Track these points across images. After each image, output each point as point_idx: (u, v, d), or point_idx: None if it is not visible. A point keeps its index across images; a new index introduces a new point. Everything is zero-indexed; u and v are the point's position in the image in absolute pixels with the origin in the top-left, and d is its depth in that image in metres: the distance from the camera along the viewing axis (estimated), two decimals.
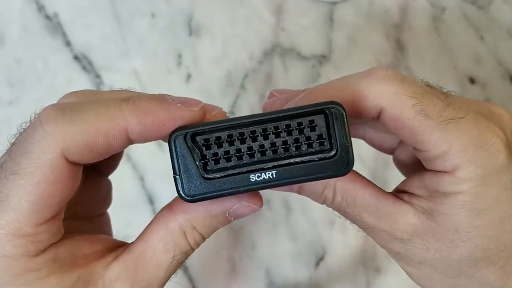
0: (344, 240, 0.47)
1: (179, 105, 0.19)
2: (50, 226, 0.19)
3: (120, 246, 0.21)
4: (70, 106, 0.20)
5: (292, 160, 0.20)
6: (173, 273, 0.21)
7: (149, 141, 0.20)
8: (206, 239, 0.22)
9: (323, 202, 0.23)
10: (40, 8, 0.52)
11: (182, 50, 0.51)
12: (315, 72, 0.50)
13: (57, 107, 0.20)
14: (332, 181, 0.22)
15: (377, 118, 0.21)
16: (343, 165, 0.21)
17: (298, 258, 0.47)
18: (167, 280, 0.21)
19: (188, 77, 0.50)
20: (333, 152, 0.21)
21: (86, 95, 0.22)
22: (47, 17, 0.52)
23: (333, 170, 0.20)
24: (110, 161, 0.25)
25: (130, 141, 0.19)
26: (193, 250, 0.21)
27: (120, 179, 0.48)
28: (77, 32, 0.52)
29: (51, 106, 0.20)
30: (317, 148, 0.20)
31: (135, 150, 0.48)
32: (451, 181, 0.20)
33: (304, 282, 0.47)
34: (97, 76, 0.51)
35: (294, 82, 0.50)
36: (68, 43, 0.51)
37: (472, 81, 0.50)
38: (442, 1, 0.52)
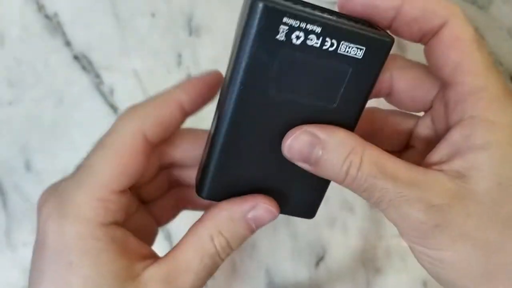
0: (344, 240, 0.47)
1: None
2: (121, 197, 0.21)
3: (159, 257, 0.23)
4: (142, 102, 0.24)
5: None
6: (204, 280, 0.22)
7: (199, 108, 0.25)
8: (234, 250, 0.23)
9: (345, 173, 0.20)
10: (40, 7, 0.52)
11: (182, 50, 0.51)
12: None
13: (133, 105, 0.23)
14: (358, 147, 0.20)
15: (435, 34, 0.21)
16: None
17: (298, 258, 0.47)
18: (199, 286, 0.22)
19: (188, 77, 0.50)
20: None
21: None
22: (47, 16, 0.52)
23: None
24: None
25: (186, 113, 0.24)
26: (220, 257, 0.22)
27: None
28: (77, 32, 0.52)
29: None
30: None
31: None
32: (486, 128, 0.19)
33: (304, 282, 0.47)
34: (97, 76, 0.51)
35: None
36: (68, 43, 0.51)
37: None
38: None
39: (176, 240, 0.46)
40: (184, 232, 0.24)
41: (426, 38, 0.22)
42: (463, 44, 0.20)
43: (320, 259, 0.47)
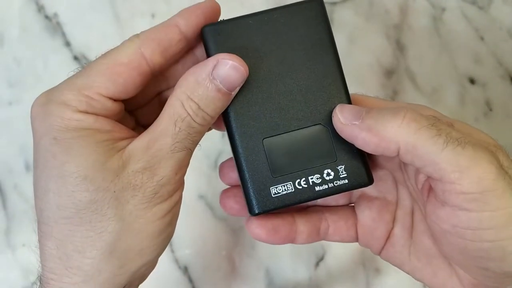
0: None
1: None
2: (107, 102, 0.23)
3: None
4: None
5: None
6: (183, 143, 0.23)
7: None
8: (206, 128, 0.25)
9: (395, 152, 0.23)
10: (40, 8, 0.52)
11: None
12: None
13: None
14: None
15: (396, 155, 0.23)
16: None
17: (298, 258, 0.47)
18: (181, 151, 0.23)
19: None
20: None
21: None
22: (47, 17, 0.52)
23: None
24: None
25: (184, 35, 0.24)
26: (194, 121, 0.23)
27: None
28: (77, 32, 0.52)
29: None
30: None
31: None
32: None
33: (304, 282, 0.47)
34: None
35: None
36: (67, 43, 0.51)
37: (472, 81, 0.50)
38: (442, 2, 0.52)
39: (176, 248, 0.46)
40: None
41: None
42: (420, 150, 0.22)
43: (320, 259, 0.47)
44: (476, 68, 0.50)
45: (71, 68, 0.51)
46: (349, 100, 0.28)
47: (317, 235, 0.30)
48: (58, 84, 0.24)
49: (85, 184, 0.21)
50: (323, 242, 0.47)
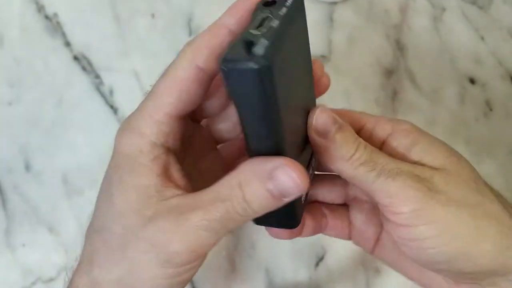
0: (344, 240, 0.47)
1: None
2: (175, 122, 0.24)
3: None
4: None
5: None
6: (211, 226, 0.23)
7: None
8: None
9: (356, 148, 0.25)
10: (40, 8, 0.52)
11: None
12: None
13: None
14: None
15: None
16: None
17: (298, 258, 0.47)
18: (204, 230, 0.23)
19: None
20: None
21: None
22: (47, 17, 0.52)
23: None
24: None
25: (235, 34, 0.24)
26: (237, 213, 0.23)
27: None
28: (77, 32, 0.52)
29: None
30: None
31: None
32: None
33: (304, 282, 0.47)
34: (97, 76, 0.51)
35: None
36: (67, 43, 0.51)
37: (472, 81, 0.50)
38: (442, 1, 0.52)
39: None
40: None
41: None
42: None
43: (320, 260, 0.47)
44: (476, 68, 0.50)
45: (71, 68, 0.51)
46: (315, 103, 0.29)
47: (319, 229, 0.33)
48: (137, 108, 0.26)
49: (119, 219, 0.24)
50: (323, 242, 0.47)
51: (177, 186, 0.24)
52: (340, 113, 0.27)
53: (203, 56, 0.24)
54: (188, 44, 0.25)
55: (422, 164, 0.26)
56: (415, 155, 0.26)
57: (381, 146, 0.27)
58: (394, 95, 0.49)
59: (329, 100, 0.49)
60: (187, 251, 0.22)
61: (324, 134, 0.25)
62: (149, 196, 0.23)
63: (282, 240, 0.47)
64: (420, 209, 0.24)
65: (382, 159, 0.25)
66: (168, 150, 0.24)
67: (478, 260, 0.25)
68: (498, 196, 0.27)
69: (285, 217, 0.27)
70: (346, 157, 0.25)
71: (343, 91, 0.49)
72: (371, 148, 0.25)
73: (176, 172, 0.25)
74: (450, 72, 0.50)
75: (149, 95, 0.25)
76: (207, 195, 0.23)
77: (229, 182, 0.22)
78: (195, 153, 0.28)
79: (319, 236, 0.47)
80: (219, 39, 0.24)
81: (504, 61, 0.51)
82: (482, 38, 0.51)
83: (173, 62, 0.25)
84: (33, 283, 0.47)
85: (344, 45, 0.50)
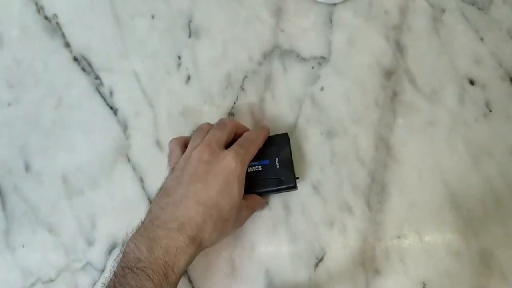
0: (343, 241, 0.47)
1: None
2: None
3: None
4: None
5: None
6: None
7: None
8: None
9: None
10: (39, 9, 0.52)
11: (182, 51, 0.51)
12: (315, 74, 0.50)
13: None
14: None
15: None
16: None
17: (297, 259, 0.47)
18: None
19: (188, 78, 0.50)
20: None
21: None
22: (46, 18, 0.52)
23: None
24: None
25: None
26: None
27: (120, 180, 0.48)
28: (77, 33, 0.52)
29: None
30: None
31: (135, 152, 0.48)
32: None
33: (303, 283, 0.47)
34: (97, 77, 0.51)
35: (294, 84, 0.50)
36: (67, 44, 0.51)
37: (472, 82, 0.50)
38: (442, 2, 0.52)
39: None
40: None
41: None
42: None
43: (319, 260, 0.47)
44: (476, 69, 0.50)
45: (70, 69, 0.51)
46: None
47: None
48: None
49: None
50: (323, 243, 0.47)
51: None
52: None
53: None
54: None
55: None
56: None
57: None
58: (394, 96, 0.49)
59: (330, 101, 0.49)
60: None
61: None
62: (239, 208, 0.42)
63: (282, 241, 0.47)
64: None
65: None
66: None
67: None
68: None
69: None
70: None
71: (343, 92, 0.49)
72: None
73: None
74: (450, 73, 0.50)
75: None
76: (247, 213, 0.45)
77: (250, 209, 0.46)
78: None
79: (319, 237, 0.47)
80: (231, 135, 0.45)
81: (504, 62, 0.51)
82: (482, 39, 0.51)
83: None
84: (33, 284, 0.47)
85: (343, 46, 0.51)
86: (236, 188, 0.40)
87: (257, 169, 0.45)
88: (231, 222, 0.41)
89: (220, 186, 0.39)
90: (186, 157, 0.41)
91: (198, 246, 0.38)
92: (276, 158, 0.45)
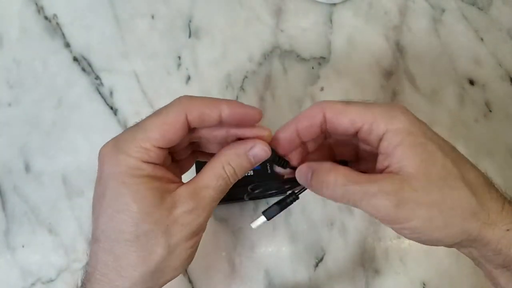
0: (343, 241, 0.47)
1: None
2: (159, 152, 0.30)
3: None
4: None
5: None
6: (219, 196, 0.32)
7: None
8: (234, 182, 0.32)
9: (326, 187, 0.31)
10: (39, 9, 0.52)
11: (182, 51, 0.51)
12: (315, 74, 0.50)
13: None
14: (333, 169, 0.31)
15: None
16: None
17: (297, 259, 0.47)
18: (216, 201, 0.31)
19: (188, 78, 0.50)
20: None
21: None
22: (46, 18, 0.52)
23: None
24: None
25: (221, 119, 0.31)
26: (229, 180, 0.32)
27: None
28: (77, 34, 0.52)
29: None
30: None
31: None
32: (400, 138, 0.30)
33: (303, 283, 0.47)
34: (97, 77, 0.51)
35: (294, 84, 0.50)
36: (67, 44, 0.51)
37: (471, 82, 0.50)
38: (441, 2, 0.52)
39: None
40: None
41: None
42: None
43: (319, 260, 0.47)
44: (475, 69, 0.50)
45: (70, 69, 0.51)
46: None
47: None
48: (122, 135, 0.31)
49: (147, 218, 0.29)
50: (323, 243, 0.47)
51: (175, 182, 0.31)
52: (339, 118, 0.32)
53: (193, 114, 0.30)
54: (186, 97, 0.31)
55: (400, 168, 0.29)
56: (396, 157, 0.30)
57: (379, 142, 0.30)
58: (394, 96, 0.49)
59: None
60: (208, 218, 0.32)
61: (305, 183, 0.33)
62: (162, 192, 0.30)
63: (282, 242, 0.47)
64: (389, 220, 0.29)
65: (353, 188, 0.30)
66: (154, 164, 0.31)
67: (447, 243, 0.30)
68: (476, 178, 0.31)
69: None
70: (325, 195, 0.31)
71: (343, 92, 0.49)
72: (342, 182, 0.30)
73: (169, 174, 0.31)
74: (450, 73, 0.50)
75: (138, 127, 0.31)
76: (207, 177, 0.31)
77: (221, 164, 0.32)
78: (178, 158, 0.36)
79: (319, 237, 0.47)
80: (211, 114, 0.31)
81: (504, 62, 0.51)
82: (482, 39, 0.51)
83: (166, 106, 0.31)
84: (33, 284, 0.47)
85: (343, 46, 0.51)
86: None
87: (249, 174, 0.44)
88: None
89: None
90: None
91: None
92: (267, 164, 0.44)
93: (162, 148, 0.30)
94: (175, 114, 0.30)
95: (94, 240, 0.30)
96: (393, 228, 0.30)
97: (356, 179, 0.30)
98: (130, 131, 0.30)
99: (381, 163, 0.30)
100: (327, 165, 0.31)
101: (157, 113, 0.31)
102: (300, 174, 0.33)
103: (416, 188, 0.29)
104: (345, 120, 0.31)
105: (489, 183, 0.32)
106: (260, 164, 0.40)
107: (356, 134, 0.31)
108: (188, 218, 0.30)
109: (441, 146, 0.30)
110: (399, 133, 0.29)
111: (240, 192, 0.39)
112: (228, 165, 0.32)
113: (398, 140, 0.29)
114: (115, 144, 0.30)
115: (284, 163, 0.35)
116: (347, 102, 0.31)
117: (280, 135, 0.33)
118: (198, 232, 0.31)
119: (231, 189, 0.36)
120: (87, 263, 0.31)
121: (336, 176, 0.30)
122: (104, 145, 0.30)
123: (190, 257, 0.31)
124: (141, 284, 0.30)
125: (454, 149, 0.31)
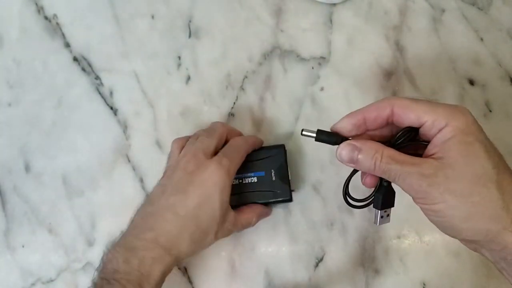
0: (343, 241, 0.47)
1: None
2: None
3: None
4: None
5: None
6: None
7: None
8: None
9: (374, 164, 0.34)
10: (39, 9, 0.52)
11: (182, 51, 0.51)
12: (315, 74, 0.50)
13: None
14: (379, 149, 0.34)
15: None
16: None
17: (297, 259, 0.47)
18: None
19: (188, 78, 0.50)
20: None
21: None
22: (47, 18, 0.52)
23: None
24: None
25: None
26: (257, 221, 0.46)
27: (120, 181, 0.48)
28: (77, 34, 0.52)
29: None
30: None
31: (135, 152, 0.48)
32: (448, 131, 0.32)
33: (303, 283, 0.47)
34: (97, 77, 0.51)
35: (294, 84, 0.50)
36: (67, 45, 0.51)
37: (471, 82, 0.50)
38: (441, 2, 0.52)
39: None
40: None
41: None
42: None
43: (319, 260, 0.47)
44: (475, 69, 0.50)
45: (70, 69, 0.51)
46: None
47: None
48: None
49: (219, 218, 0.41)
50: (323, 243, 0.47)
51: None
52: (405, 110, 0.34)
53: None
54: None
55: (441, 157, 0.32)
56: (442, 148, 0.32)
57: (437, 132, 0.33)
58: (394, 96, 0.49)
59: (329, 101, 0.49)
60: None
61: (351, 162, 0.35)
62: (226, 208, 0.42)
63: (282, 242, 0.47)
64: (419, 198, 0.33)
65: (395, 167, 0.33)
66: None
67: (466, 237, 0.33)
68: (510, 185, 0.32)
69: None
70: (371, 170, 0.34)
71: (343, 92, 0.49)
72: (386, 159, 0.33)
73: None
74: (450, 73, 0.50)
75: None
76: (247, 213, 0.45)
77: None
78: None
79: (319, 237, 0.47)
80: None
81: (504, 62, 0.51)
82: (482, 39, 0.51)
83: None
84: (33, 284, 0.47)
85: (343, 46, 0.51)
86: (217, 200, 0.40)
87: (252, 181, 0.44)
88: (211, 234, 0.40)
89: (199, 198, 0.39)
90: (174, 165, 0.41)
91: (175, 257, 0.39)
92: (272, 170, 0.45)
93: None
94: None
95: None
96: (421, 208, 0.33)
97: (398, 159, 0.33)
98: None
99: (429, 150, 0.33)
100: (372, 143, 0.35)
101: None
102: (347, 150, 0.35)
103: (449, 176, 0.31)
104: (412, 116, 0.33)
105: None
106: (264, 170, 0.45)
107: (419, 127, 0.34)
108: (227, 232, 0.42)
109: (487, 148, 0.32)
110: (454, 129, 0.32)
111: (250, 197, 0.45)
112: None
113: (450, 135, 0.32)
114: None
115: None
116: (415, 100, 0.34)
117: (347, 118, 0.36)
118: (229, 234, 0.43)
119: (241, 194, 0.44)
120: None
121: (382, 154, 0.33)
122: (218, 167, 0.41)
123: (227, 235, 0.43)
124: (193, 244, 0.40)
125: (500, 156, 0.33)
